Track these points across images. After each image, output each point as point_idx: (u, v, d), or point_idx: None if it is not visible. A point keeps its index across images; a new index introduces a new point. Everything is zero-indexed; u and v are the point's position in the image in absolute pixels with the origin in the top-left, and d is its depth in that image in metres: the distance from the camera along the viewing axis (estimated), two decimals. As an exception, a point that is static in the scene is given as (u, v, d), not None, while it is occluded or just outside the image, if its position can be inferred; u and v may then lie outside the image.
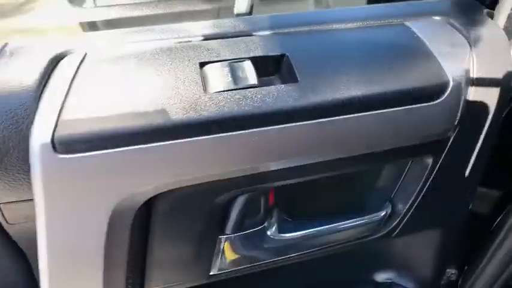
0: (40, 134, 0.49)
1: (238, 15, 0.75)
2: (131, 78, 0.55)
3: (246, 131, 0.53)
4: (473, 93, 0.62)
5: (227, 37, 0.61)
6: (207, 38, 0.61)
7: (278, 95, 0.55)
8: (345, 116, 0.56)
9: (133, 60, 0.57)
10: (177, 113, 0.51)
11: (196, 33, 0.61)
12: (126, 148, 0.50)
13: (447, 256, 0.91)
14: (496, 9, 0.71)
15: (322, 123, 0.56)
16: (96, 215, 0.54)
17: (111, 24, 1.46)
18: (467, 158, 0.69)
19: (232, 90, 0.54)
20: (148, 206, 0.60)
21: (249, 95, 0.54)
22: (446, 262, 0.94)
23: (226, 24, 0.64)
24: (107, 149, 0.50)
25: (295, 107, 0.54)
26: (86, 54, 0.58)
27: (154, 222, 0.62)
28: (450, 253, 0.91)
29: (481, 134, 0.67)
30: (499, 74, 0.63)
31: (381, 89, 0.57)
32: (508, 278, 0.92)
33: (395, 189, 0.76)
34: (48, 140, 0.48)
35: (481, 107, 0.64)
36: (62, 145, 0.49)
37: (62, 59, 0.58)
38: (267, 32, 0.63)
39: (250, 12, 0.75)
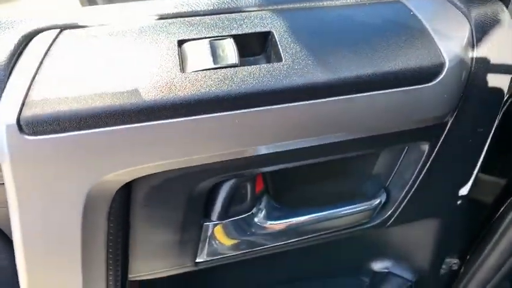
0: (6, 114, 0.46)
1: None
2: (105, 57, 0.52)
3: (226, 113, 0.50)
4: (473, 76, 0.58)
5: (209, 14, 0.58)
6: (187, 14, 0.57)
7: (260, 75, 0.51)
8: (332, 98, 0.52)
9: (108, 38, 0.54)
10: (152, 93, 0.48)
11: (177, 10, 0.58)
12: (96, 130, 0.47)
13: (445, 245, 0.88)
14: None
15: (308, 106, 0.52)
16: (69, 201, 0.52)
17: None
18: (466, 144, 0.65)
19: (211, 69, 0.51)
20: (128, 191, 0.57)
21: (228, 74, 0.51)
22: (444, 251, 0.90)
23: (209, 0, 0.60)
24: (76, 130, 0.47)
25: (278, 88, 0.51)
26: (60, 31, 0.55)
27: (135, 208, 0.59)
28: (448, 242, 0.88)
29: (482, 119, 0.63)
30: (502, 58, 0.58)
31: (373, 69, 0.53)
32: (511, 267, 0.88)
33: (391, 177, 0.72)
34: (14, 120, 0.46)
35: (482, 91, 0.59)
36: (29, 126, 0.46)
37: (35, 35, 0.55)
38: (252, 9, 0.59)
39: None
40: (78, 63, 0.51)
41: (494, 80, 0.59)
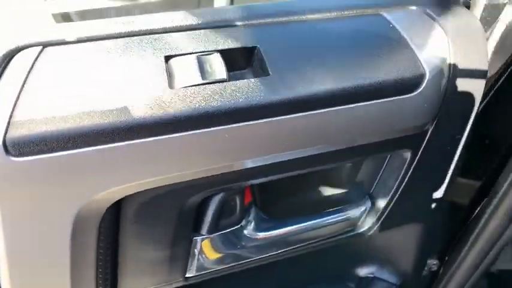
0: None
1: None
2: (91, 74, 0.52)
3: (216, 128, 0.50)
4: (451, 85, 0.61)
5: (194, 29, 0.58)
6: (173, 30, 0.58)
7: (249, 89, 0.52)
8: (319, 111, 0.54)
9: (94, 54, 0.54)
10: (141, 110, 0.48)
11: (163, 25, 0.58)
12: (85, 149, 0.47)
13: (427, 247, 0.91)
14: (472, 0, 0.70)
15: (296, 118, 0.53)
16: (57, 222, 0.50)
17: (84, 16, 1.40)
18: (445, 150, 0.68)
19: (199, 85, 0.51)
20: (117, 209, 0.56)
21: (217, 90, 0.51)
22: (426, 254, 0.93)
23: (195, 15, 0.60)
24: (64, 150, 0.46)
25: (266, 102, 0.52)
26: (42, 48, 0.54)
27: (124, 225, 0.59)
28: (430, 244, 0.91)
29: (459, 126, 0.66)
30: (475, 65, 0.62)
31: (356, 81, 0.55)
32: (487, 266, 0.92)
33: (374, 184, 0.75)
34: (0, 142, 0.45)
35: (459, 99, 0.62)
36: (15, 147, 0.45)
37: (16, 53, 0.54)
38: (237, 24, 0.60)
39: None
40: (63, 81, 0.50)
41: (469, 87, 0.62)
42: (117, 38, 0.56)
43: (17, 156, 0.45)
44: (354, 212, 0.75)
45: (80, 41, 0.56)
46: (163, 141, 0.49)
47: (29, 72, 0.50)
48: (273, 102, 0.52)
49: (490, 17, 0.68)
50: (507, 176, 0.75)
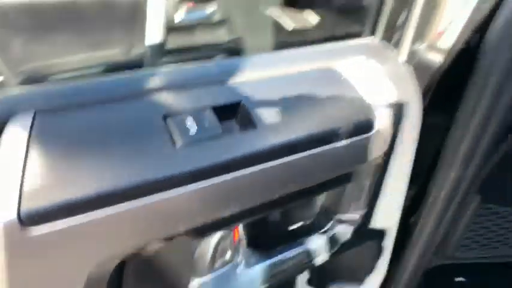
0: (3, 211, 0.44)
1: (150, 46, 0.74)
2: (91, 137, 0.53)
3: (215, 179, 0.54)
4: (395, 118, 0.72)
5: (180, 88, 0.62)
6: (164, 88, 0.62)
7: (241, 141, 0.58)
8: (298, 156, 0.61)
9: (91, 116, 0.55)
10: (147, 170, 0.51)
11: (153, 85, 0.61)
12: (96, 212, 0.48)
13: (385, 256, 1.03)
14: (399, 48, 0.84)
15: (280, 164, 0.60)
16: (67, 285, 0.50)
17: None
18: (401, 173, 0.81)
19: (198, 141, 0.55)
20: (122, 265, 0.57)
21: (214, 144, 0.56)
22: (383, 261, 1.05)
23: (176, 75, 0.65)
24: (75, 215, 0.47)
25: (258, 152, 0.58)
26: (35, 113, 0.54)
27: (127, 280, 0.59)
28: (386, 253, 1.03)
29: (410, 152, 0.78)
30: (412, 101, 0.75)
31: (324, 127, 0.64)
32: (427, 263, 1.06)
33: (340, 209, 0.84)
34: (14, 215, 0.44)
35: (405, 127, 0.75)
36: (28, 218, 0.45)
37: (7, 120, 0.53)
38: (222, 81, 0.65)
39: (163, 44, 0.73)
40: (64, 146, 0.51)
41: (411, 120, 0.75)
42: (108, 98, 0.58)
43: (30, 225, 0.45)
44: (325, 236, 0.83)
45: (73, 102, 0.56)
46: (172, 197, 0.51)
47: (29, 140, 0.50)
48: (264, 151, 0.58)
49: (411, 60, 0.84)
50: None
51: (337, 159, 0.67)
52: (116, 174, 0.49)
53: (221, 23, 0.75)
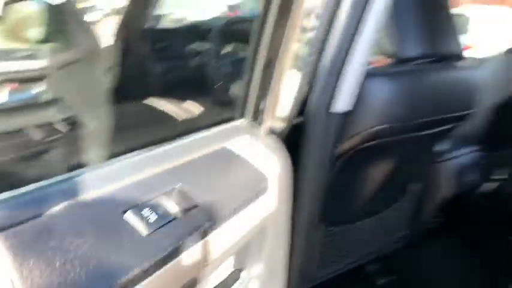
0: None
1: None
2: (67, 248, 0.51)
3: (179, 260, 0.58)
4: (283, 177, 0.83)
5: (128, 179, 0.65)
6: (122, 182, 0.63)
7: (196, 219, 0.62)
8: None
9: (57, 224, 0.53)
10: (123, 266, 0.52)
11: (112, 181, 0.62)
12: None
13: None
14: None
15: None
16: None
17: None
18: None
19: (160, 227, 0.58)
20: None
21: (172, 230, 0.59)
22: None
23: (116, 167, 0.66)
24: None
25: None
26: None
27: None
28: None
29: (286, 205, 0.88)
30: (283, 163, 0.85)
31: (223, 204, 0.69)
32: None
33: None
34: None
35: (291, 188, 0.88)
36: None
37: None
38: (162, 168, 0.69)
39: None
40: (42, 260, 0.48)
41: (285, 171, 0.84)
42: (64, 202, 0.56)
43: None
44: None
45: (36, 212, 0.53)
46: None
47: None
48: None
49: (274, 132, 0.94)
50: None
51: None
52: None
53: (52, 102, 0.73)
